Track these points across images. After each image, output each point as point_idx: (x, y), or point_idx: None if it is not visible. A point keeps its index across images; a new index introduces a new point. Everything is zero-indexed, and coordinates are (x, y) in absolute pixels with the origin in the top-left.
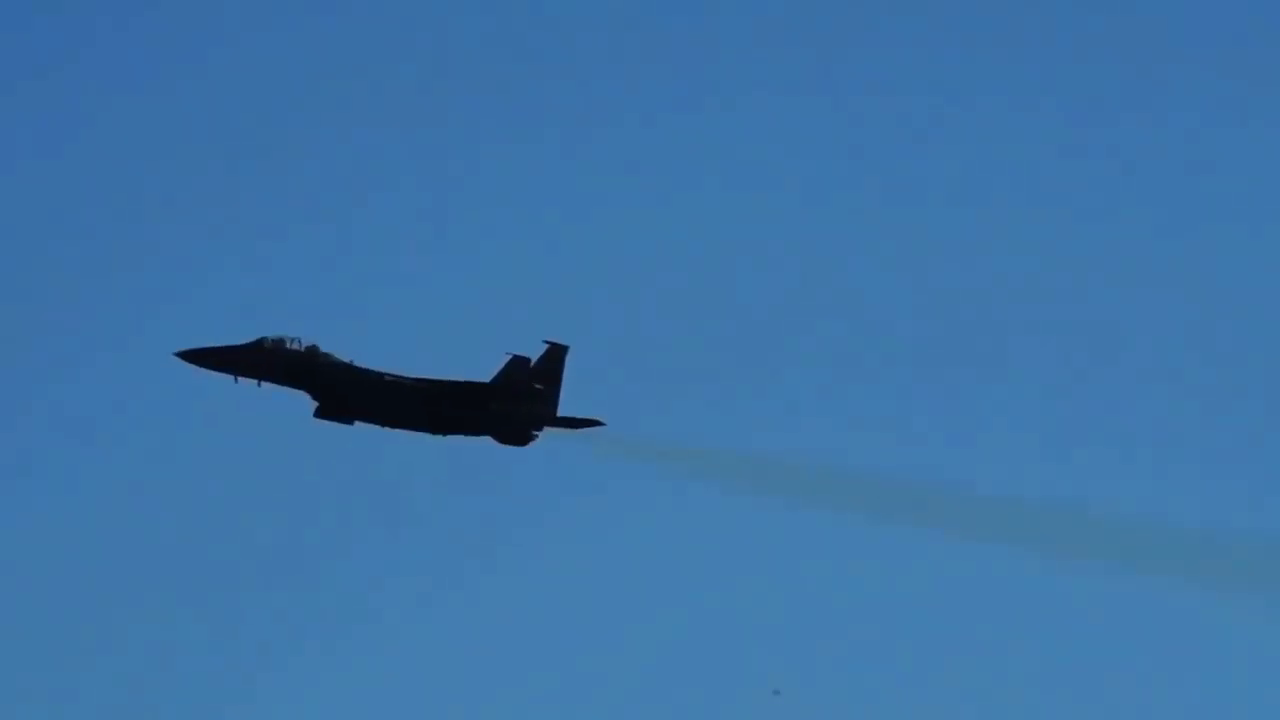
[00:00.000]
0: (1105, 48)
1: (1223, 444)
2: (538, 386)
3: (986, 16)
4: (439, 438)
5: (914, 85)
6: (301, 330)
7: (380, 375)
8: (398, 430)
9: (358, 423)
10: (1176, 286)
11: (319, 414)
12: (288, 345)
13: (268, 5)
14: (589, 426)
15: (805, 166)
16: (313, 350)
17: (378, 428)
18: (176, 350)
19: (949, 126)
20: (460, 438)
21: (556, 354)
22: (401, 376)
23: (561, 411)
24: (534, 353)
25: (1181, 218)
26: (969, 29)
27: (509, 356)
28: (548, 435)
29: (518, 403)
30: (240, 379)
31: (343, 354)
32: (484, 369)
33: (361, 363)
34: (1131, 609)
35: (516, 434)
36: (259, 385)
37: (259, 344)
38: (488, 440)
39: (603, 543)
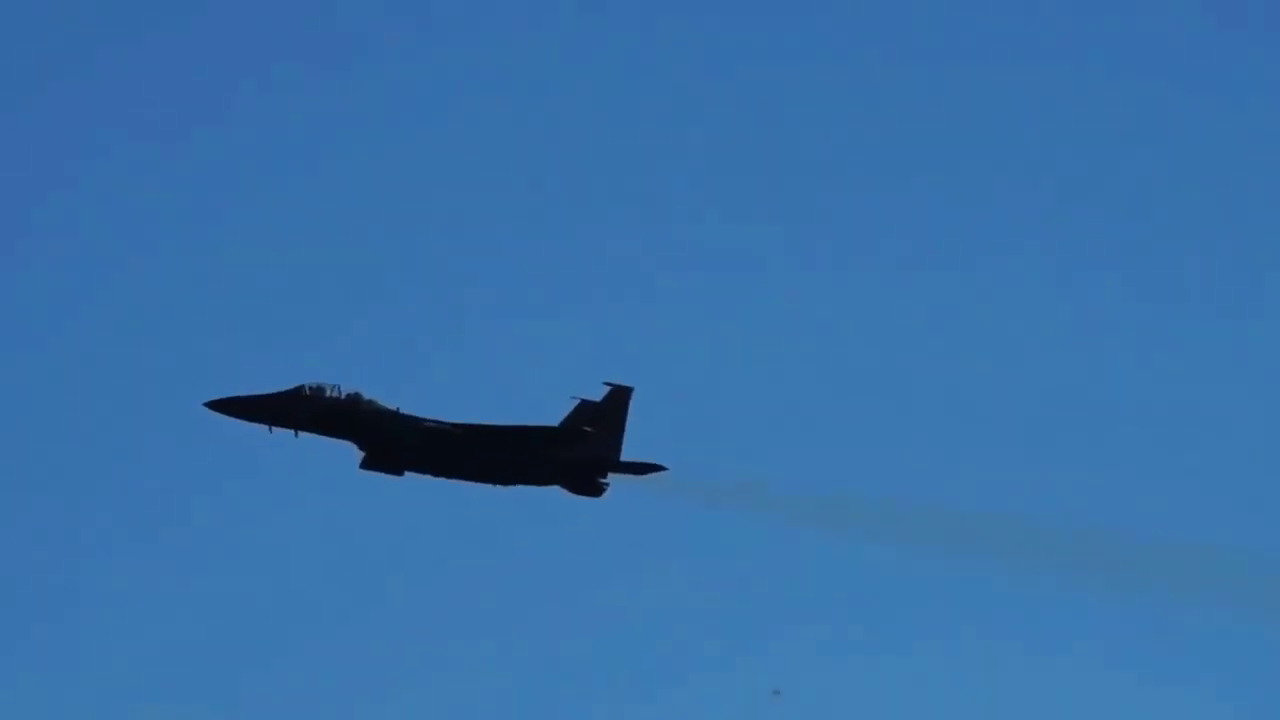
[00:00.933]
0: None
1: None
2: (586, 429)
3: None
4: (502, 488)
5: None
6: (342, 378)
7: (426, 421)
8: (455, 481)
9: (408, 473)
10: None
11: (366, 465)
12: (328, 393)
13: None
14: (652, 471)
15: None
16: (355, 397)
17: (431, 478)
18: (206, 400)
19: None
20: (525, 488)
21: (620, 396)
22: (451, 423)
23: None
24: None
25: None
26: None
27: (576, 401)
28: (615, 482)
29: (566, 447)
30: (275, 429)
31: (388, 401)
32: (552, 416)
33: (409, 410)
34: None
35: (587, 483)
36: (296, 435)
37: (297, 391)
38: (557, 491)
39: (672, 594)
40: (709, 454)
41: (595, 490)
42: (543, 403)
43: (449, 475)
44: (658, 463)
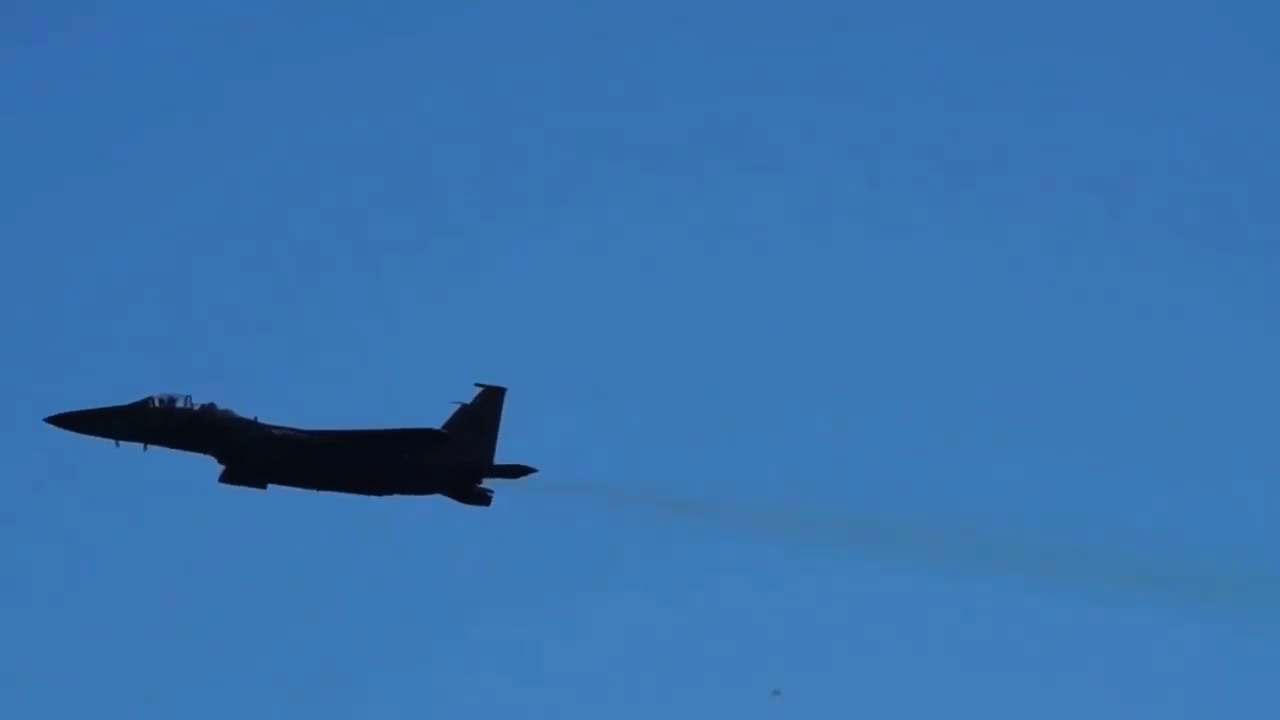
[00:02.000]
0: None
1: None
2: (441, 432)
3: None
4: (378, 499)
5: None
6: (195, 389)
7: (275, 429)
8: (328, 493)
9: (271, 486)
10: None
11: (225, 478)
12: (178, 404)
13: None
14: (523, 475)
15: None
16: (208, 408)
17: (298, 490)
18: (48, 415)
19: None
20: (404, 498)
21: (492, 397)
22: (307, 430)
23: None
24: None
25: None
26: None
27: (456, 405)
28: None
29: (428, 452)
30: (122, 443)
31: (245, 411)
32: (435, 420)
33: (271, 419)
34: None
35: (469, 491)
36: (145, 449)
37: (145, 403)
38: (440, 500)
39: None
40: (570, 453)
41: (481, 499)
42: (425, 407)
43: (315, 486)
44: (526, 465)
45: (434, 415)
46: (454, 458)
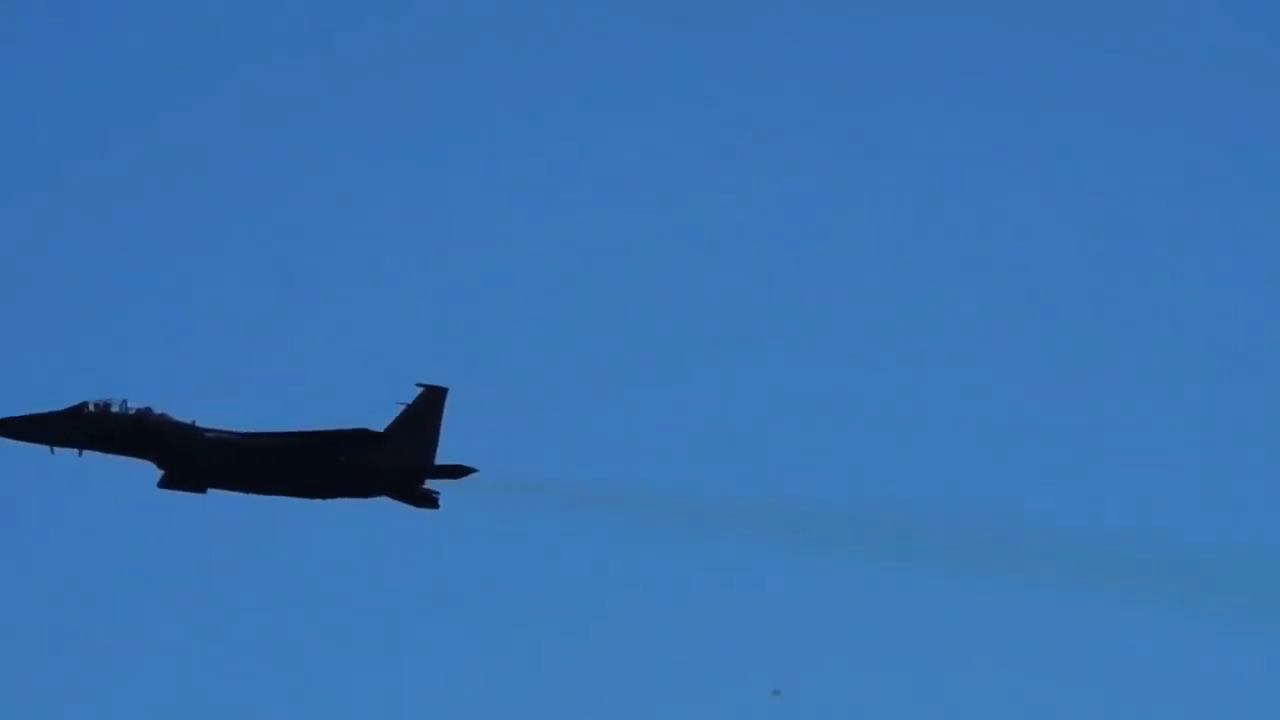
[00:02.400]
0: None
1: None
2: (374, 431)
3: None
4: (321, 502)
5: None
6: (133, 393)
7: (207, 432)
8: (273, 497)
9: (211, 491)
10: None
11: (164, 483)
12: (114, 409)
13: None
14: (463, 475)
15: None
16: (144, 413)
17: (240, 495)
18: None
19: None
20: (348, 501)
21: (433, 397)
22: (240, 432)
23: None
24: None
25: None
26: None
27: (402, 406)
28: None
29: (365, 452)
30: (57, 449)
31: (184, 415)
32: (379, 422)
33: (208, 422)
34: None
35: (414, 493)
36: (80, 455)
37: (80, 409)
38: (386, 503)
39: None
40: (512, 452)
41: (428, 501)
42: (371, 408)
43: (255, 490)
44: (466, 465)
45: (380, 416)
46: (395, 459)
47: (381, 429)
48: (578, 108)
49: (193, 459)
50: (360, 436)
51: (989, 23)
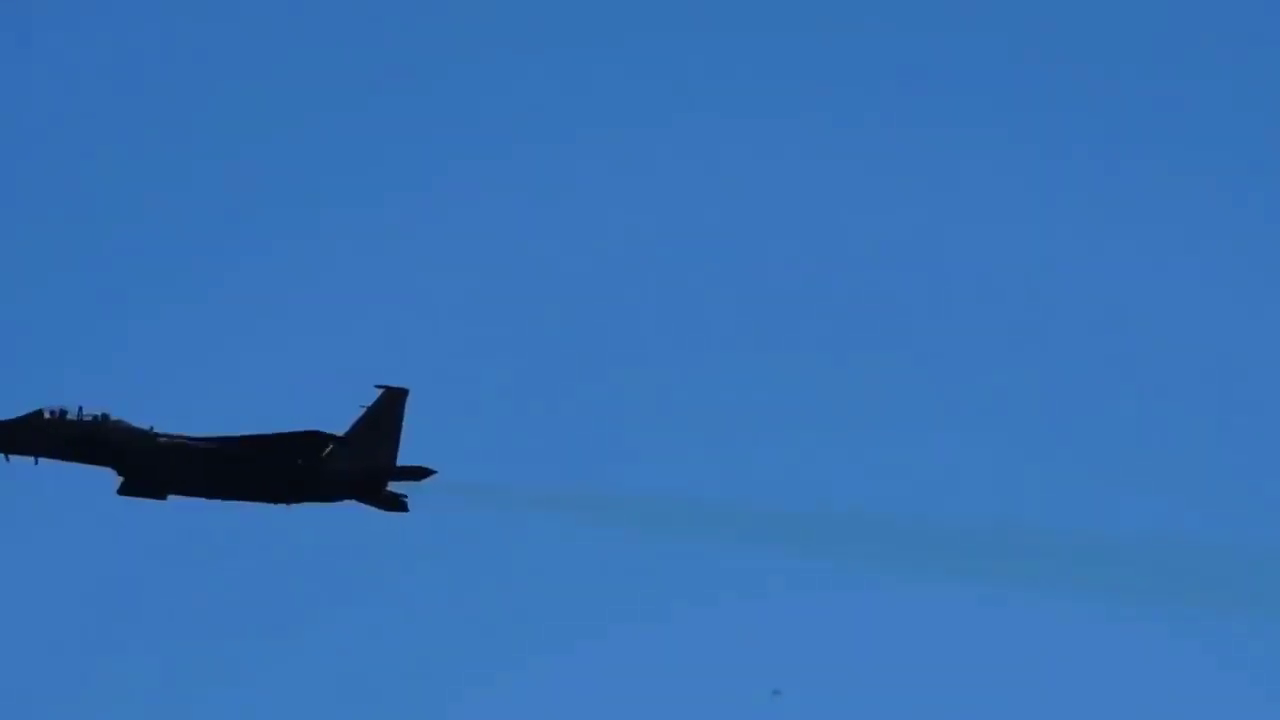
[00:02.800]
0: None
1: None
2: (324, 432)
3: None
4: (285, 508)
5: None
6: (91, 399)
7: (160, 437)
8: (233, 503)
9: (171, 497)
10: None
11: (123, 490)
12: (69, 415)
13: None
14: (422, 477)
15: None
16: (102, 419)
17: (202, 500)
18: None
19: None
20: (314, 506)
21: (393, 398)
22: (200, 438)
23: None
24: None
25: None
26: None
27: (363, 408)
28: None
29: (317, 456)
30: (12, 457)
31: (141, 421)
32: (341, 424)
33: (168, 428)
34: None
35: (380, 496)
36: (36, 463)
37: (35, 416)
38: (355, 508)
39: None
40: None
41: (396, 505)
42: (332, 411)
43: (214, 495)
44: (425, 466)
45: (341, 419)
46: (356, 461)
47: (340, 431)
48: (548, 105)
49: (147, 465)
50: (311, 439)
51: (989, 24)
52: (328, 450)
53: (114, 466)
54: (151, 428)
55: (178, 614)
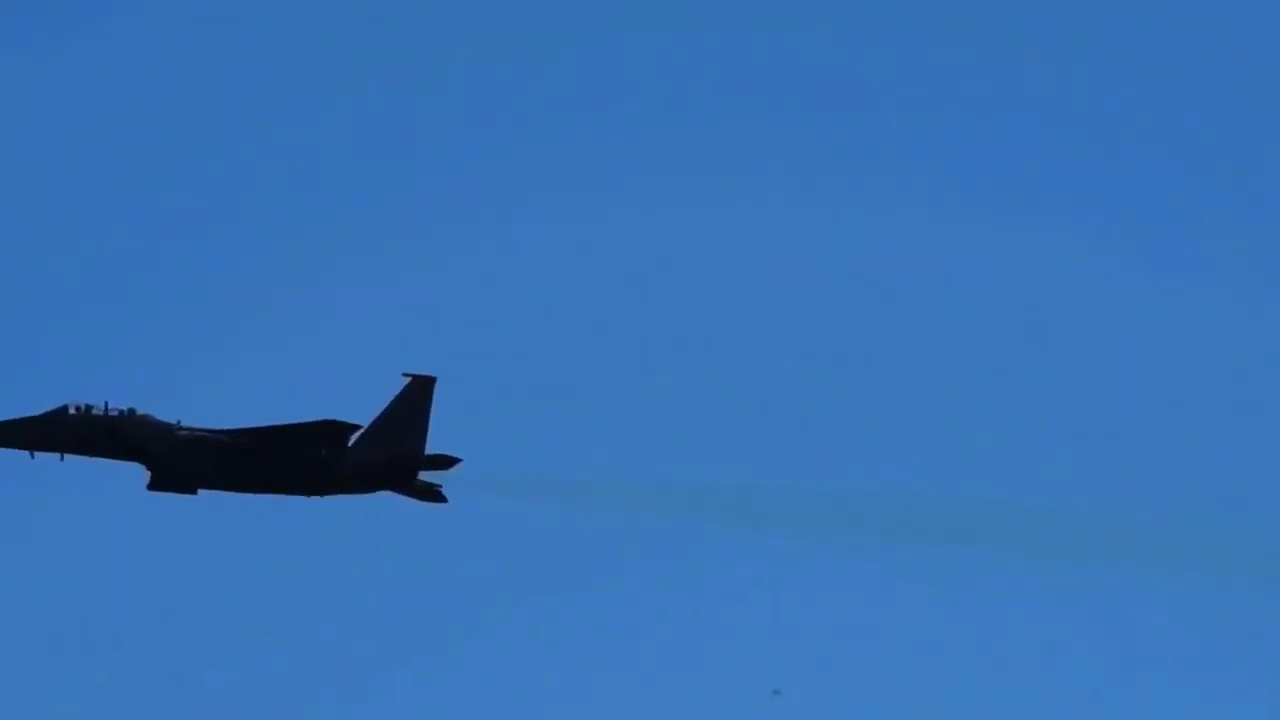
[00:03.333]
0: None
1: None
2: (341, 421)
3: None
4: (315, 499)
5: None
6: (117, 395)
7: (181, 430)
8: (264, 496)
9: (202, 491)
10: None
11: (153, 485)
12: (95, 411)
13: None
14: (447, 466)
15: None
16: (128, 414)
17: (231, 494)
18: None
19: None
20: (347, 498)
21: (421, 387)
22: (221, 431)
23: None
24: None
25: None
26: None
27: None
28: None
29: (338, 445)
30: (38, 454)
31: (169, 415)
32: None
33: (195, 421)
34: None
35: (413, 486)
36: (61, 459)
37: (61, 412)
38: (392, 499)
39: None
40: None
41: (433, 496)
42: (361, 400)
43: (243, 489)
44: (450, 455)
45: (370, 409)
46: (383, 450)
47: (359, 420)
48: (571, 103)
49: (170, 459)
50: (330, 428)
51: (987, 23)
52: (353, 440)
53: (140, 461)
54: (179, 422)
55: (206, 611)
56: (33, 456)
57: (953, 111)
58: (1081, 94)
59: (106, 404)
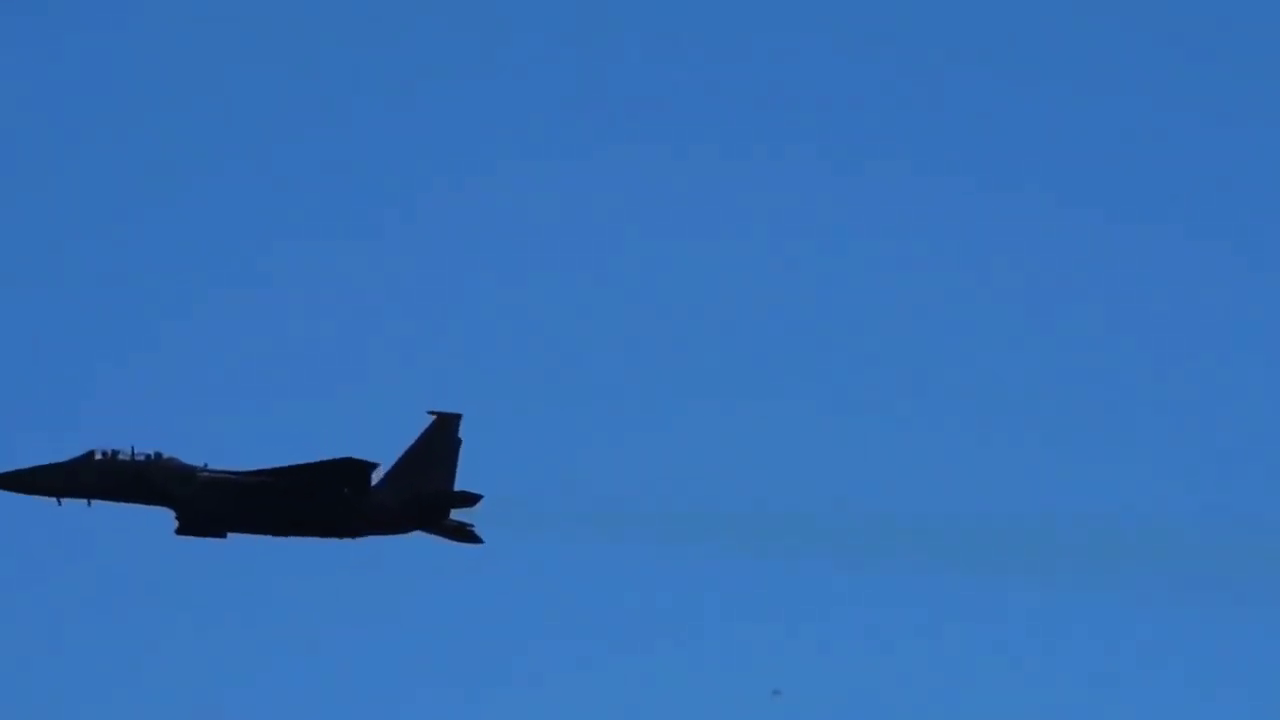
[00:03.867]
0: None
1: None
2: (360, 460)
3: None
4: (353, 542)
5: None
6: (143, 439)
7: (201, 473)
8: (294, 539)
9: (231, 535)
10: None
11: (181, 530)
12: (121, 456)
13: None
14: (470, 503)
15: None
16: (154, 458)
17: (259, 537)
18: None
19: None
20: (379, 539)
21: (447, 425)
22: (242, 472)
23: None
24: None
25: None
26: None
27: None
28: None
29: (360, 485)
30: (65, 500)
31: (195, 459)
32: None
33: (222, 464)
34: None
35: (444, 523)
36: (89, 505)
37: (88, 457)
38: (424, 540)
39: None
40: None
41: (468, 536)
42: (390, 438)
43: (272, 532)
44: (471, 491)
45: (395, 447)
46: (409, 489)
47: (378, 459)
48: (604, 127)
49: (195, 503)
50: (348, 466)
51: (987, 24)
52: (378, 479)
53: (166, 505)
54: (205, 465)
55: (242, 655)
56: (59, 503)
57: (953, 112)
58: (1082, 96)
59: (133, 448)
